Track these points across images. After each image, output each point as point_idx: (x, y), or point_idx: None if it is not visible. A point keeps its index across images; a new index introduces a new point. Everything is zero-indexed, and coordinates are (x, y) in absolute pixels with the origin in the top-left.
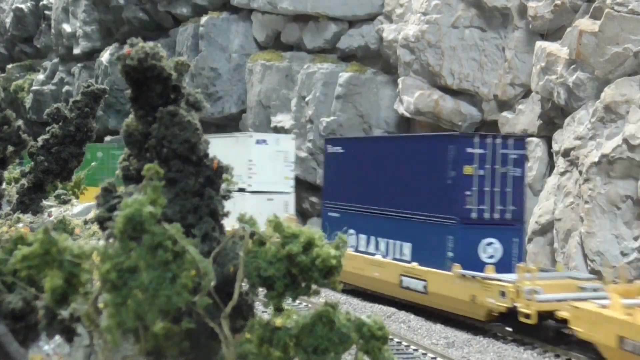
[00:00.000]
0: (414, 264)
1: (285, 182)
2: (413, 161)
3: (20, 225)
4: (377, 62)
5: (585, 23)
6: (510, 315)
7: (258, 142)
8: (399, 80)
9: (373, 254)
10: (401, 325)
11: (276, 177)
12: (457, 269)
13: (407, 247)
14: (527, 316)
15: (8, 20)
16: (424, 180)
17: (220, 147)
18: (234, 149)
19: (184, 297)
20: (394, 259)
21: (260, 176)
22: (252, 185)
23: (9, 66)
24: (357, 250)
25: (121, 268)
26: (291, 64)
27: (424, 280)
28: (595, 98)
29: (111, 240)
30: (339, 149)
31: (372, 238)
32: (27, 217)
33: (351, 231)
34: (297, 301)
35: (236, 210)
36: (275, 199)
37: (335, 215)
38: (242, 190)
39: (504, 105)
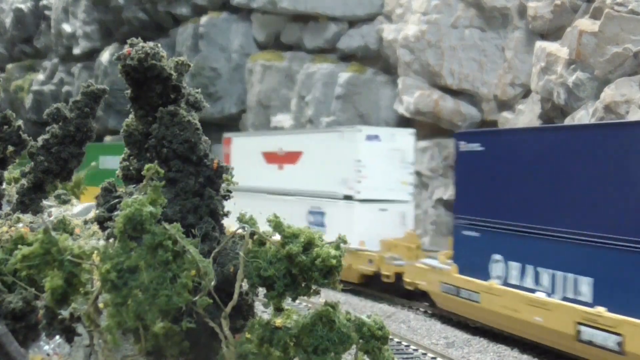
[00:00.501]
0: (600, 309)
1: (403, 189)
2: (594, 160)
3: (20, 225)
4: (377, 62)
5: (585, 23)
6: None
7: (369, 137)
8: (399, 80)
9: (532, 291)
10: (401, 325)
11: (391, 181)
12: None
13: (585, 284)
14: None
15: (8, 20)
16: (612, 188)
17: (320, 144)
18: (338, 146)
19: (184, 297)
20: (565, 299)
21: (371, 180)
22: (361, 192)
23: (9, 66)
24: (506, 284)
25: (121, 268)
26: (291, 64)
27: (618, 335)
28: (595, 98)
29: (111, 240)
30: (476, 147)
31: (530, 268)
32: (27, 217)
33: (497, 257)
34: (297, 301)
35: (340, 222)
36: (389, 210)
37: (473, 234)
38: (348, 197)
39: (504, 105)
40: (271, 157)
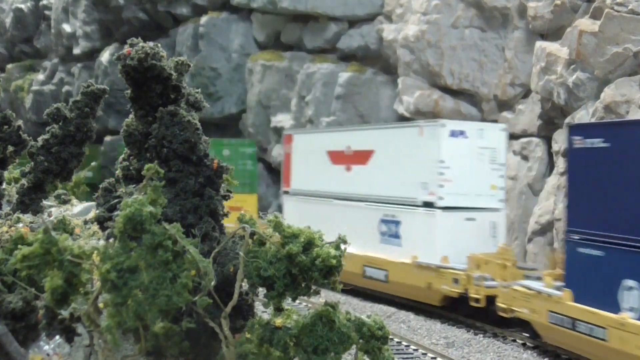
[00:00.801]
0: None
1: (493, 194)
2: None
3: (20, 225)
4: (377, 62)
5: (585, 23)
6: None
7: (453, 133)
8: (399, 80)
9: None
10: (401, 325)
11: (479, 186)
12: None
13: None
14: None
15: (8, 20)
16: None
17: (395, 142)
18: (417, 143)
19: (184, 297)
20: None
21: (456, 184)
22: (445, 199)
23: (9, 66)
24: None
25: (121, 268)
26: (291, 64)
27: None
28: (595, 98)
29: (111, 240)
30: (598, 142)
31: None
32: (27, 217)
33: (630, 283)
34: (297, 301)
35: (418, 234)
36: (478, 219)
37: (595, 253)
38: (428, 205)
39: (504, 105)
40: (337, 157)
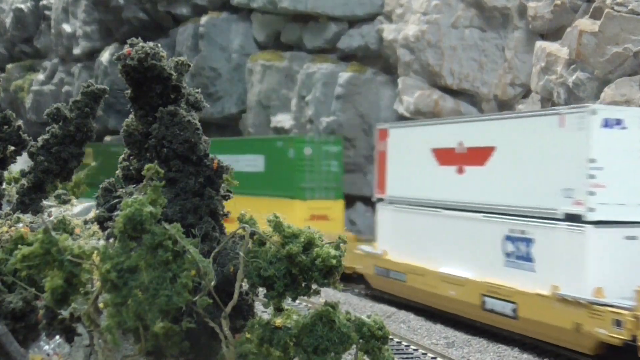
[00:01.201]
0: None
1: None
2: None
3: (20, 225)
4: (377, 62)
5: (585, 23)
6: None
7: (607, 123)
8: (399, 80)
9: None
10: (401, 325)
11: None
12: None
13: None
14: None
15: (8, 20)
16: None
17: (524, 136)
18: (556, 137)
19: (184, 297)
20: None
21: (613, 191)
22: (597, 210)
23: (9, 66)
24: None
25: (121, 268)
26: (291, 64)
27: None
28: (595, 98)
29: (111, 240)
30: None
31: None
32: (27, 217)
33: None
34: (297, 301)
35: (560, 257)
36: None
37: None
38: (573, 218)
39: (504, 105)
40: (446, 156)
